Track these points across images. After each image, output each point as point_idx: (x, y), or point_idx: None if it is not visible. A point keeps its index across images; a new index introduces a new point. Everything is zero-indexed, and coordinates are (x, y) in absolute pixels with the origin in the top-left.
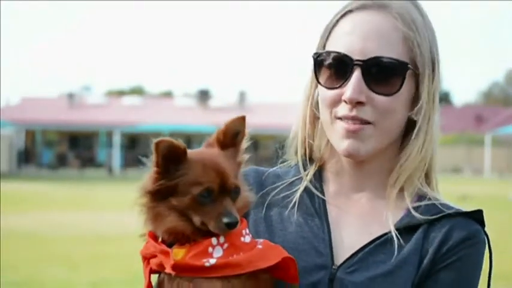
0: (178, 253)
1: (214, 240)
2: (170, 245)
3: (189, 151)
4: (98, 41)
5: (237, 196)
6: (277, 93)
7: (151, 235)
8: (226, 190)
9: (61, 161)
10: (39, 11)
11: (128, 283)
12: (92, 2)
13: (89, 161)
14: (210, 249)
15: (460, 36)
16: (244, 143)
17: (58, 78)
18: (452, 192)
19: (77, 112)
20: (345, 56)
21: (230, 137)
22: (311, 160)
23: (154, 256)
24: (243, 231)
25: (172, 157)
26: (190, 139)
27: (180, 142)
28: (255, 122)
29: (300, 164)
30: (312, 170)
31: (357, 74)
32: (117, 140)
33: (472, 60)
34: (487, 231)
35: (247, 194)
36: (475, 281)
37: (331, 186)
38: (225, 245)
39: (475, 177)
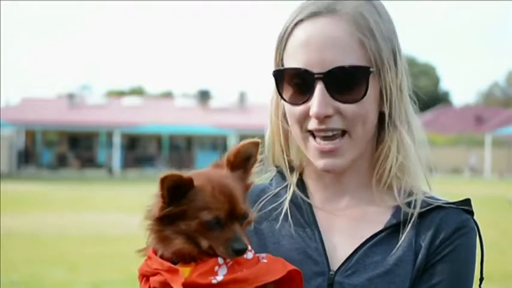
0: (185, 271)
1: (220, 259)
2: (173, 264)
3: (196, 173)
4: (98, 41)
5: (245, 221)
6: None
7: (154, 251)
8: (235, 216)
9: (61, 162)
10: (39, 11)
11: (127, 283)
12: (92, 2)
13: (88, 162)
14: (216, 267)
15: (460, 36)
16: (255, 167)
17: (58, 79)
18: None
19: (77, 112)
20: (305, 71)
21: (241, 160)
22: (290, 168)
23: (155, 274)
24: None
25: (178, 189)
26: (191, 139)
27: (187, 175)
28: (255, 123)
29: (287, 173)
30: (294, 178)
31: (319, 88)
32: (117, 140)
33: (471, 60)
34: (489, 230)
35: (250, 212)
36: (471, 270)
37: (315, 193)
38: (230, 263)
39: (475, 178)
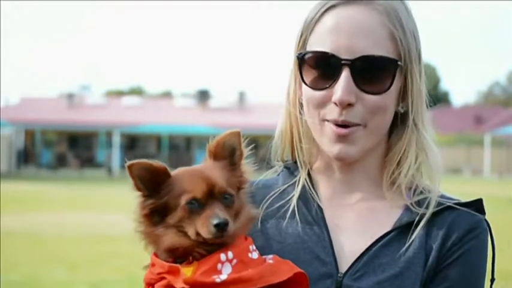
0: (187, 271)
1: (222, 256)
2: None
3: (177, 169)
4: (97, 41)
5: (230, 201)
6: (277, 93)
7: (156, 255)
8: (214, 196)
9: (60, 161)
10: (39, 11)
11: (126, 283)
12: (92, 2)
13: (88, 161)
14: (219, 265)
15: (460, 36)
16: (245, 163)
17: (58, 79)
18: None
19: (77, 112)
20: (332, 55)
21: (223, 150)
22: (297, 163)
23: (160, 280)
24: (250, 247)
25: (151, 177)
26: (190, 139)
27: (156, 161)
28: (254, 122)
29: (301, 159)
30: (303, 175)
31: (345, 74)
32: (116, 140)
33: (471, 60)
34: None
35: (251, 210)
36: (483, 271)
37: (323, 190)
38: (234, 261)
39: (475, 178)
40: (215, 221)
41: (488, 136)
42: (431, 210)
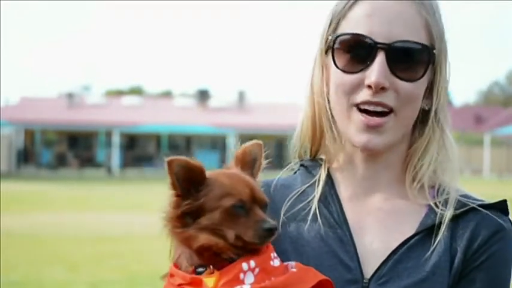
0: (209, 282)
1: (244, 265)
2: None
3: (207, 172)
4: (97, 41)
5: (266, 209)
6: (277, 93)
7: (176, 266)
8: (256, 202)
9: (60, 161)
10: (39, 11)
11: (126, 283)
12: (92, 2)
13: (88, 161)
14: (241, 275)
15: (460, 36)
16: (261, 175)
17: (58, 79)
18: None
19: (76, 112)
20: (368, 38)
21: (248, 159)
22: (315, 161)
23: None
24: (272, 255)
25: (188, 176)
26: (190, 139)
27: (196, 160)
28: (254, 122)
29: (324, 169)
30: (322, 174)
31: (380, 58)
32: (116, 140)
33: (471, 60)
34: None
35: (271, 220)
36: (509, 273)
37: (344, 190)
38: (256, 270)
39: (474, 178)
40: (267, 225)
41: (488, 136)
42: (452, 211)
